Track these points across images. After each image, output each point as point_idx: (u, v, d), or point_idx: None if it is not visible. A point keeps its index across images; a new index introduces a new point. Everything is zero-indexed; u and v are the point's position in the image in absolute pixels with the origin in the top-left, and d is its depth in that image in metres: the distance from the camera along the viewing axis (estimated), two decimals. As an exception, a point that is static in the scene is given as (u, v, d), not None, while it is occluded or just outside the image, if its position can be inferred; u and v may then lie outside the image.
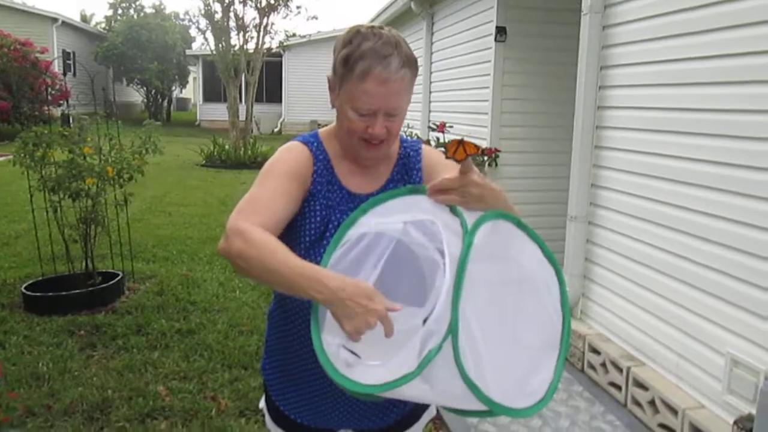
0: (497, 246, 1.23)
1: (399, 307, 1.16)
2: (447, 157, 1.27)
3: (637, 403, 3.19)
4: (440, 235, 1.22)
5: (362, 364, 1.22)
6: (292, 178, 1.37)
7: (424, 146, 1.55)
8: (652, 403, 3.08)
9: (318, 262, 1.34)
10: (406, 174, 1.49)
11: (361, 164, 1.45)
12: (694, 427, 2.78)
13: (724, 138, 2.73)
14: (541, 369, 1.26)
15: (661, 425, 2.99)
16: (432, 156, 1.53)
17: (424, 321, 1.26)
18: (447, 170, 1.49)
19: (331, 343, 1.21)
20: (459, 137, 1.29)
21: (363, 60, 1.31)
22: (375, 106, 1.33)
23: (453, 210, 1.26)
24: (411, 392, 1.17)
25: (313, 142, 1.46)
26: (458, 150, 1.25)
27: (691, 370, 2.94)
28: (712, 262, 2.80)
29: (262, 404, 1.65)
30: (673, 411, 2.91)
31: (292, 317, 1.43)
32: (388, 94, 1.33)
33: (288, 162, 1.40)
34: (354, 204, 1.42)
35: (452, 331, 1.12)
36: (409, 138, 1.57)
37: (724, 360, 2.71)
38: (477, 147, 1.27)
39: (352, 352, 1.23)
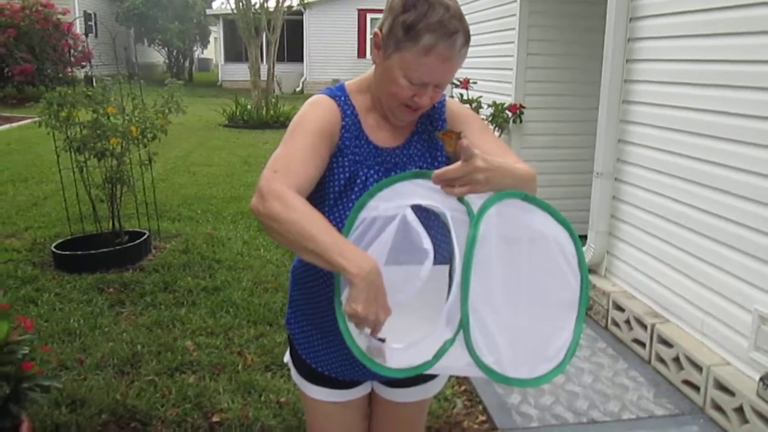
0: (505, 223, 1.25)
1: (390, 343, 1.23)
2: (446, 150, 1.33)
3: (661, 360, 3.18)
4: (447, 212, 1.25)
5: (385, 346, 1.25)
6: (322, 136, 1.34)
7: (448, 98, 1.53)
8: (676, 359, 3.07)
9: (344, 217, 1.34)
10: (431, 125, 1.47)
11: (388, 119, 1.44)
12: (718, 384, 2.78)
13: (755, 90, 2.64)
14: (561, 331, 1.29)
15: (685, 382, 2.99)
16: (456, 108, 1.50)
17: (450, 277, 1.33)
18: (470, 123, 1.46)
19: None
20: (458, 131, 1.31)
21: (430, 33, 1.26)
22: (431, 80, 1.31)
23: (459, 198, 1.26)
24: (434, 370, 1.27)
25: (340, 96, 1.43)
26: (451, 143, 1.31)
27: (716, 326, 2.92)
28: (740, 218, 2.75)
29: (287, 358, 1.67)
30: (698, 368, 2.90)
31: (317, 272, 1.43)
32: (447, 70, 1.31)
33: (317, 119, 1.37)
34: (380, 158, 1.41)
35: (463, 326, 1.21)
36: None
37: (752, 317, 2.67)
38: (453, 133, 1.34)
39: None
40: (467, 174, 1.20)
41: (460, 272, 1.20)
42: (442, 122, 1.47)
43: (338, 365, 1.49)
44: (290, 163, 1.28)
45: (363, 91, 1.45)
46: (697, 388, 2.91)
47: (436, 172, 1.22)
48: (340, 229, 1.35)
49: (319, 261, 1.18)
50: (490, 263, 1.22)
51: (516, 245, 1.26)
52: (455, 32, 1.28)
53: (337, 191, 1.37)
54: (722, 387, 2.76)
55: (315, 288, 1.46)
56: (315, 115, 1.37)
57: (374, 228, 1.24)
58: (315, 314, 1.49)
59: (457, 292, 1.20)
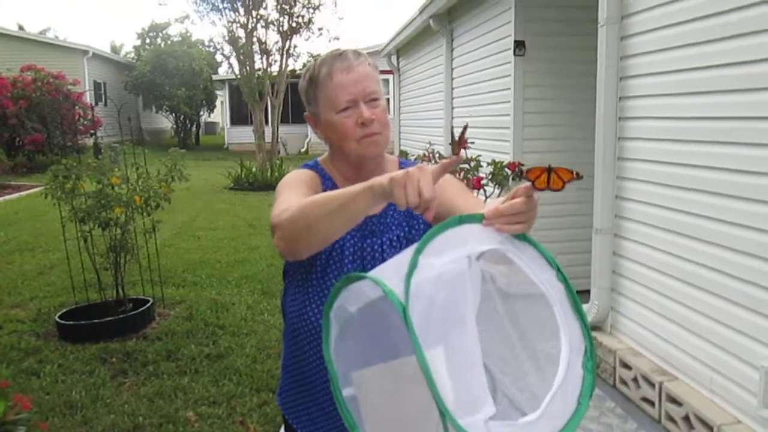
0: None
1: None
2: (537, 189, 1.11)
3: (671, 419, 3.11)
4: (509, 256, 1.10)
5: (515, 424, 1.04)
6: (309, 188, 1.42)
7: (423, 164, 1.55)
8: (686, 418, 3.00)
9: (332, 285, 1.34)
10: None
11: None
12: (730, 444, 2.71)
13: (750, 146, 2.67)
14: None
15: (697, 442, 2.92)
16: None
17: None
18: (448, 188, 1.46)
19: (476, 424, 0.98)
20: (547, 165, 1.14)
21: (323, 66, 1.41)
22: (351, 94, 1.39)
23: (522, 237, 1.11)
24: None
25: (316, 166, 1.52)
26: (552, 179, 1.13)
27: (725, 384, 2.86)
28: (743, 274, 2.73)
29: (281, 435, 1.65)
30: (708, 427, 2.84)
31: (309, 329, 1.45)
32: (358, 79, 1.39)
33: (301, 177, 1.46)
34: (363, 224, 1.43)
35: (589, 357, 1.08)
36: (406, 159, 1.60)
37: (759, 373, 2.63)
38: (571, 171, 1.14)
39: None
40: (531, 209, 1.09)
41: (569, 308, 1.08)
42: None
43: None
44: (286, 204, 1.32)
45: (332, 165, 1.52)
46: (709, 449, 2.84)
47: (492, 210, 1.09)
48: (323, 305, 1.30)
49: (347, 210, 1.14)
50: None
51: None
52: (341, 53, 1.42)
53: (324, 258, 1.41)
54: (734, 447, 2.69)
55: (305, 348, 1.47)
56: (297, 176, 1.47)
57: (439, 298, 1.02)
58: (306, 380, 1.49)
59: (576, 325, 1.07)
